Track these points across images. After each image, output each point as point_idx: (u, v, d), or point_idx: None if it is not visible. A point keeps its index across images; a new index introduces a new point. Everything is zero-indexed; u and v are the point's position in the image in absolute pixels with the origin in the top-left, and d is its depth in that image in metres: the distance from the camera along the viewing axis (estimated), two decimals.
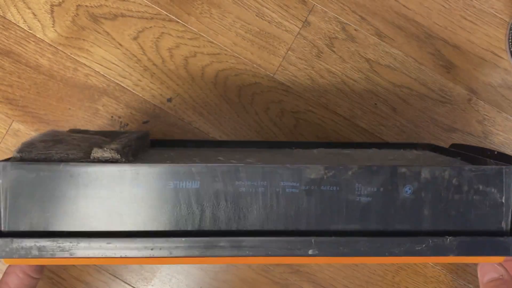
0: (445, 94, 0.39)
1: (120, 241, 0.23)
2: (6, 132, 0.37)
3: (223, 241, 0.23)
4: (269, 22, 0.38)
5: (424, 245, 0.24)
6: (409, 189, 0.24)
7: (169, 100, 0.38)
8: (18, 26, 0.37)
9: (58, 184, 0.23)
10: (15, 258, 0.22)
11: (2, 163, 0.23)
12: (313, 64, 0.39)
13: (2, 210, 0.23)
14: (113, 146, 0.24)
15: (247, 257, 0.24)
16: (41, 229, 0.23)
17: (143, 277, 0.37)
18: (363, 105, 0.39)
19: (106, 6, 0.38)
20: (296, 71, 0.38)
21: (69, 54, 0.37)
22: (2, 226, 0.23)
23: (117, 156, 0.23)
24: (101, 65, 0.37)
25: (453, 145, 0.34)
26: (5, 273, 0.27)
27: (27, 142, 0.24)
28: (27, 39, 0.37)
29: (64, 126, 0.37)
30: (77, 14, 0.37)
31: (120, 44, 0.38)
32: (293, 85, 0.38)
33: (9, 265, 0.27)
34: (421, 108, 0.39)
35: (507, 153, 0.26)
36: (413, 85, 0.39)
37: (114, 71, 0.37)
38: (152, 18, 0.38)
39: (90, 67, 0.37)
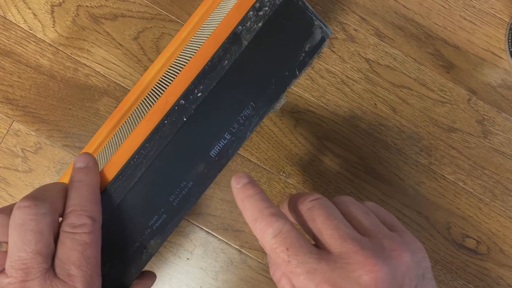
0: (444, 94, 0.39)
1: None
2: (7, 132, 0.37)
3: None
4: None
5: None
6: None
7: None
8: (19, 26, 0.37)
9: None
10: None
11: None
12: (313, 64, 0.39)
13: None
14: None
15: None
16: None
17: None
18: (363, 105, 0.39)
19: (107, 6, 0.38)
20: None
21: (69, 54, 0.37)
22: None
23: None
24: (102, 65, 0.37)
25: None
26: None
27: None
28: (28, 39, 0.37)
29: (65, 126, 0.37)
30: (78, 14, 0.38)
31: (121, 44, 0.38)
32: (293, 85, 0.38)
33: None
34: (420, 108, 0.39)
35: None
36: (412, 85, 0.39)
37: (115, 71, 0.37)
38: (152, 18, 0.38)
39: (90, 67, 0.37)
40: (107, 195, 0.26)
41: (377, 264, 0.20)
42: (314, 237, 0.22)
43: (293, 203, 0.24)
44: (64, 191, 0.25)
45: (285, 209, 0.25)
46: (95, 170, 0.26)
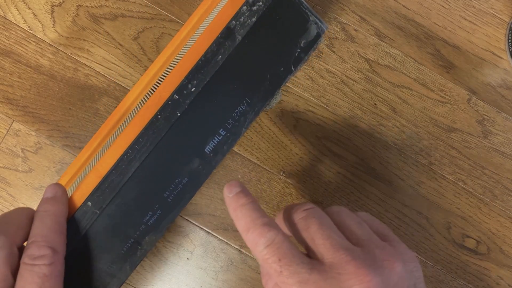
0: (444, 94, 0.39)
1: None
2: (7, 132, 0.37)
3: None
4: None
5: None
6: None
7: None
8: (19, 26, 0.37)
9: None
10: None
11: None
12: (313, 64, 0.39)
13: None
14: None
15: None
16: None
17: (143, 276, 0.37)
18: (363, 105, 0.39)
19: (107, 6, 0.38)
20: None
21: (69, 54, 0.37)
22: None
23: None
24: (102, 65, 0.37)
25: None
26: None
27: None
28: (28, 39, 0.37)
29: (65, 126, 0.37)
30: (78, 15, 0.38)
31: (121, 44, 0.38)
32: (293, 85, 0.38)
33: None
34: (420, 108, 0.39)
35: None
36: (412, 85, 0.39)
37: (115, 71, 0.37)
38: (152, 18, 0.38)
39: (90, 67, 0.37)
40: (100, 190, 0.26)
41: (368, 274, 0.20)
42: (307, 247, 0.22)
43: (287, 213, 0.24)
44: (29, 219, 0.25)
45: (280, 219, 0.25)
46: (62, 200, 0.26)
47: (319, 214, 0.23)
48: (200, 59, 0.26)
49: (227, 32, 0.26)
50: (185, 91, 0.26)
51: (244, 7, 0.26)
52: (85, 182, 0.26)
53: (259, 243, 0.21)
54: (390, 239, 0.23)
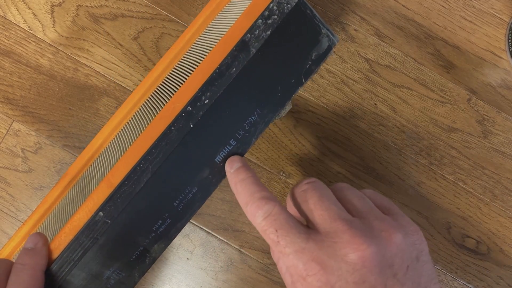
0: (444, 94, 0.39)
1: None
2: (7, 132, 0.37)
3: None
4: None
5: None
6: None
7: None
8: (19, 26, 0.37)
9: None
10: None
11: None
12: None
13: None
14: None
15: None
16: None
17: (143, 276, 0.37)
18: (363, 105, 0.39)
19: (107, 6, 0.38)
20: None
21: (69, 54, 0.37)
22: None
23: None
24: (102, 65, 0.37)
25: None
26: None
27: None
28: (28, 39, 0.37)
29: (65, 126, 0.37)
30: (78, 14, 0.38)
31: (121, 44, 0.38)
32: None
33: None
34: (420, 108, 0.39)
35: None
36: (412, 85, 0.39)
37: (115, 71, 0.37)
38: (152, 18, 0.38)
39: (90, 67, 0.37)
40: (112, 200, 0.26)
41: (364, 242, 0.20)
42: (307, 219, 0.23)
43: (292, 189, 0.25)
44: (6, 273, 0.24)
45: (288, 197, 0.26)
46: (41, 252, 0.25)
47: (320, 186, 0.23)
48: (215, 72, 0.26)
49: (242, 45, 0.26)
50: (198, 103, 0.26)
51: (259, 20, 0.26)
52: (97, 192, 0.26)
53: (257, 215, 0.22)
54: (393, 212, 0.23)
